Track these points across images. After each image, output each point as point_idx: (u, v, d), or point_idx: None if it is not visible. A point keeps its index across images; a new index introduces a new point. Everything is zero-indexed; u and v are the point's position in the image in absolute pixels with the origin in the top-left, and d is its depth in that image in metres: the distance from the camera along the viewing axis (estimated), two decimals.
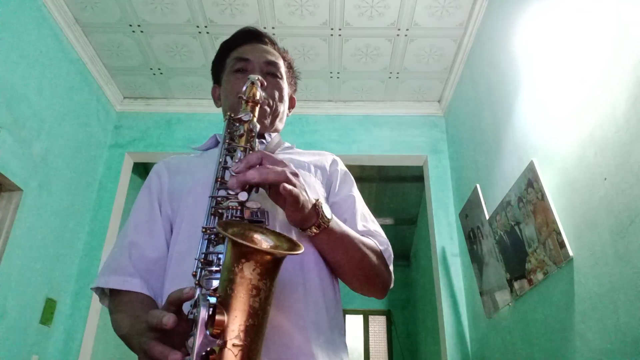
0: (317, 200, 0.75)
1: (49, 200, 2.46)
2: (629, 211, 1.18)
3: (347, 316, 6.13)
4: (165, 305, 0.57)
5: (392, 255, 0.90)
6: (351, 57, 2.86)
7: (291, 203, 0.69)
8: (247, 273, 0.53)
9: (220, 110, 1.07)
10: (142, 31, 2.69)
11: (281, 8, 2.52)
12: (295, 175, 0.70)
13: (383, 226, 0.96)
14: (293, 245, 0.60)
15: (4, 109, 2.10)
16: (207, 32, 2.69)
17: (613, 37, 1.28)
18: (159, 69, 2.99)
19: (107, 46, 2.80)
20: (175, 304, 0.56)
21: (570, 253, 1.46)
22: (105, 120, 3.10)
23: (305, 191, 0.71)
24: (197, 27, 2.65)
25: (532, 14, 1.84)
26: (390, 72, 2.98)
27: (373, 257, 0.84)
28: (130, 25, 2.65)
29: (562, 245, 1.49)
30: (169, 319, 0.53)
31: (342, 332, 0.83)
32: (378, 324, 6.20)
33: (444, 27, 2.63)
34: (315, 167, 0.95)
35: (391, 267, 0.90)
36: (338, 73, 3.00)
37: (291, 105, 1.10)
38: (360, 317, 6.17)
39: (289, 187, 0.66)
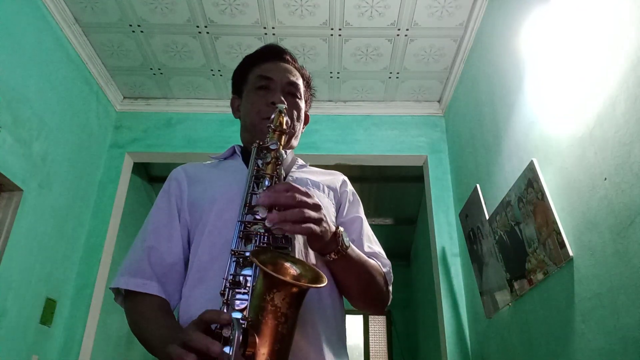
0: (338, 228, 0.80)
1: (49, 200, 2.46)
2: (629, 211, 1.18)
3: (347, 316, 5.98)
4: (198, 320, 0.62)
5: (392, 277, 0.98)
6: (351, 57, 2.86)
7: (310, 236, 0.74)
8: (278, 302, 0.59)
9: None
10: (142, 31, 2.69)
11: (281, 8, 2.52)
12: (318, 208, 0.74)
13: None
14: (317, 276, 0.66)
15: (4, 109, 2.10)
16: (207, 32, 2.69)
17: (611, 36, 1.28)
18: (159, 69, 2.99)
19: (107, 46, 2.80)
20: (209, 323, 0.61)
21: (570, 253, 1.46)
22: (105, 120, 3.10)
23: (326, 221, 0.76)
24: (197, 27, 2.65)
25: (532, 13, 1.84)
26: (390, 72, 2.98)
27: (378, 279, 0.91)
28: (130, 25, 2.65)
29: (562, 245, 1.49)
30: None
31: (345, 343, 0.90)
32: (378, 324, 6.20)
33: (444, 27, 2.63)
34: (328, 188, 1.01)
35: (390, 287, 0.97)
36: (338, 73, 3.00)
37: (305, 122, 1.14)
38: (360, 317, 6.16)
39: (311, 230, 0.71)
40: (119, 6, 2.51)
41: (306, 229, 0.70)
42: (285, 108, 0.88)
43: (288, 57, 1.09)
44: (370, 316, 6.19)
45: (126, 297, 0.90)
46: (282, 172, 0.82)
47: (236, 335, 0.56)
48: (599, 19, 1.35)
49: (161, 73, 3.03)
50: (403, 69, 2.95)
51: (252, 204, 0.77)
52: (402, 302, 6.07)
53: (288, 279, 0.63)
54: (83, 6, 2.52)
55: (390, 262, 0.99)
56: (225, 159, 1.07)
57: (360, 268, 0.86)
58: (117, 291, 0.91)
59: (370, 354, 5.99)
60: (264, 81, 1.03)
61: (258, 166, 0.83)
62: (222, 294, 0.67)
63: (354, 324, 6.11)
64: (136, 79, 3.09)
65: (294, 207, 0.70)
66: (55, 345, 2.54)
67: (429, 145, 3.15)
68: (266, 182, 0.79)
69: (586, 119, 1.39)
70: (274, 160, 0.81)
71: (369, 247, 0.97)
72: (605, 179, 1.28)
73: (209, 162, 1.09)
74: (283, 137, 0.84)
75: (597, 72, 1.34)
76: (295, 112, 1.04)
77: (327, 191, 1.00)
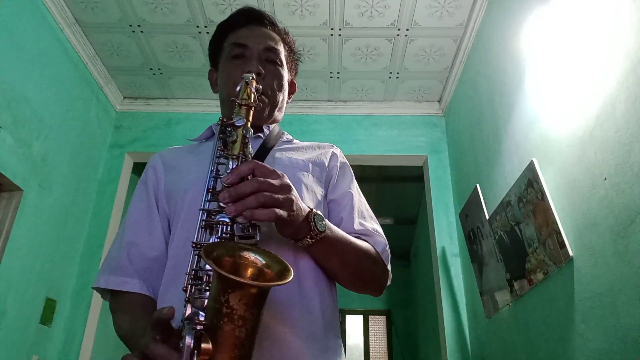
0: (311, 211, 0.72)
1: (49, 200, 2.46)
2: (629, 211, 1.18)
3: (347, 316, 6.13)
4: (151, 326, 0.57)
5: (390, 255, 0.88)
6: (351, 57, 2.86)
7: (277, 222, 0.67)
8: (233, 303, 0.52)
9: (219, 110, 1.06)
10: (142, 31, 2.69)
11: (281, 8, 2.52)
12: (286, 189, 0.67)
13: (383, 226, 0.95)
14: (283, 269, 0.58)
15: (4, 109, 2.10)
16: (207, 32, 2.69)
17: (611, 36, 1.28)
18: (159, 69, 2.99)
19: (107, 46, 2.80)
20: (159, 324, 0.56)
21: (570, 253, 1.46)
22: (105, 120, 3.10)
23: (296, 204, 0.68)
24: (197, 27, 2.65)
25: (532, 14, 1.84)
26: (390, 72, 2.98)
27: (369, 262, 0.83)
28: (130, 25, 2.65)
29: (562, 245, 1.49)
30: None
31: (337, 334, 0.81)
32: (378, 324, 6.20)
33: (444, 27, 2.62)
34: (313, 165, 0.92)
35: (389, 266, 0.88)
36: (338, 73, 3.00)
37: (291, 91, 1.05)
38: (360, 317, 6.17)
39: (274, 215, 0.63)
40: (119, 6, 2.51)
41: (269, 214, 0.62)
42: (253, 78, 0.79)
43: (266, 21, 0.97)
44: (370, 316, 6.20)
45: (110, 296, 0.84)
46: (250, 150, 0.73)
47: (186, 342, 0.51)
48: (599, 19, 1.35)
49: (161, 73, 3.03)
50: (403, 69, 2.95)
51: (218, 189, 0.69)
52: (402, 302, 6.08)
53: (241, 278, 0.55)
54: (83, 6, 2.52)
55: (390, 262, 0.91)
56: (206, 139, 0.98)
57: (343, 251, 0.78)
58: (102, 290, 0.84)
59: (370, 354, 5.99)
60: (238, 49, 0.93)
61: (225, 146, 0.73)
62: (185, 291, 0.61)
63: (354, 324, 6.12)
64: (136, 79, 3.09)
65: (257, 190, 0.63)
66: (55, 345, 2.54)
67: (429, 145, 3.15)
68: (231, 164, 0.69)
69: (586, 119, 1.39)
70: (240, 138, 0.71)
71: (361, 224, 0.87)
72: (605, 179, 1.28)
73: (189, 145, 1.00)
74: (251, 111, 0.75)
75: (597, 72, 1.34)
76: (275, 82, 0.93)
77: (311, 168, 0.90)
